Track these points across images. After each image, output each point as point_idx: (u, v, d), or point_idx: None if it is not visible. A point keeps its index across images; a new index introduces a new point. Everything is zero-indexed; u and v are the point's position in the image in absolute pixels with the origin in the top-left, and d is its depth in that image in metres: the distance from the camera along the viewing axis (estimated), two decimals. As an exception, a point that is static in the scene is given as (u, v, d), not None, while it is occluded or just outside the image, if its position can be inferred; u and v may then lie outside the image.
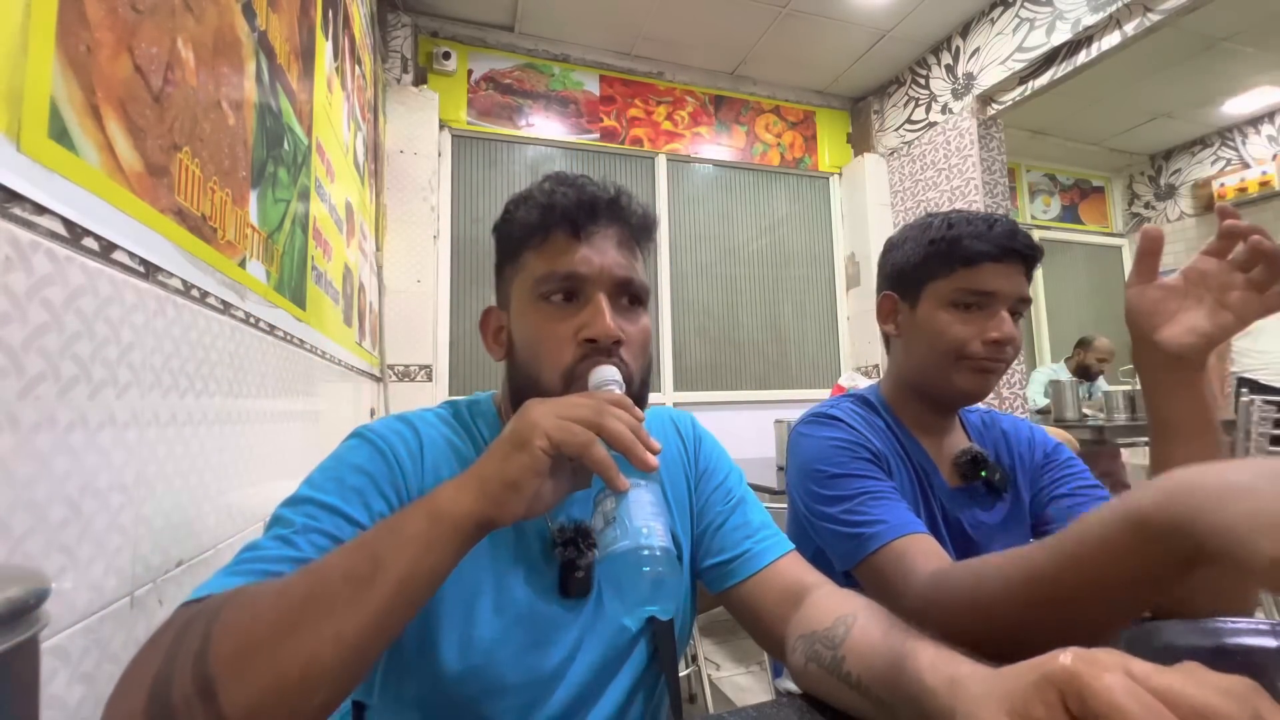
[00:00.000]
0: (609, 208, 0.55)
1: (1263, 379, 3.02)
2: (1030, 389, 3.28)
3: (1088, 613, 0.41)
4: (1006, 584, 0.45)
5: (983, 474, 0.76)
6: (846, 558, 0.65)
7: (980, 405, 0.90)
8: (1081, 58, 2.55)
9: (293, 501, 0.48)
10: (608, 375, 0.49)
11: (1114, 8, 2.37)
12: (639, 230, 0.58)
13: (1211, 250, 0.55)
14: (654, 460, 0.40)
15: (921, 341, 0.77)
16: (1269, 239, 0.51)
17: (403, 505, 0.51)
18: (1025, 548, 0.45)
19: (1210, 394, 0.56)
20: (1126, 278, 0.57)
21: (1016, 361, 2.96)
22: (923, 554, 0.59)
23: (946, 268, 0.74)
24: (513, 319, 0.58)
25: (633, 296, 0.56)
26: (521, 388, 0.55)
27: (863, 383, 2.13)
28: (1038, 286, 4.32)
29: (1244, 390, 2.73)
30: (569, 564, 0.54)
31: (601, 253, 0.54)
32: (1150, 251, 0.56)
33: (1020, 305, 0.74)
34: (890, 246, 0.83)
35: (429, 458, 0.54)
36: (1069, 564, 0.41)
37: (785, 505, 0.86)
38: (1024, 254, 0.72)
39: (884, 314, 0.83)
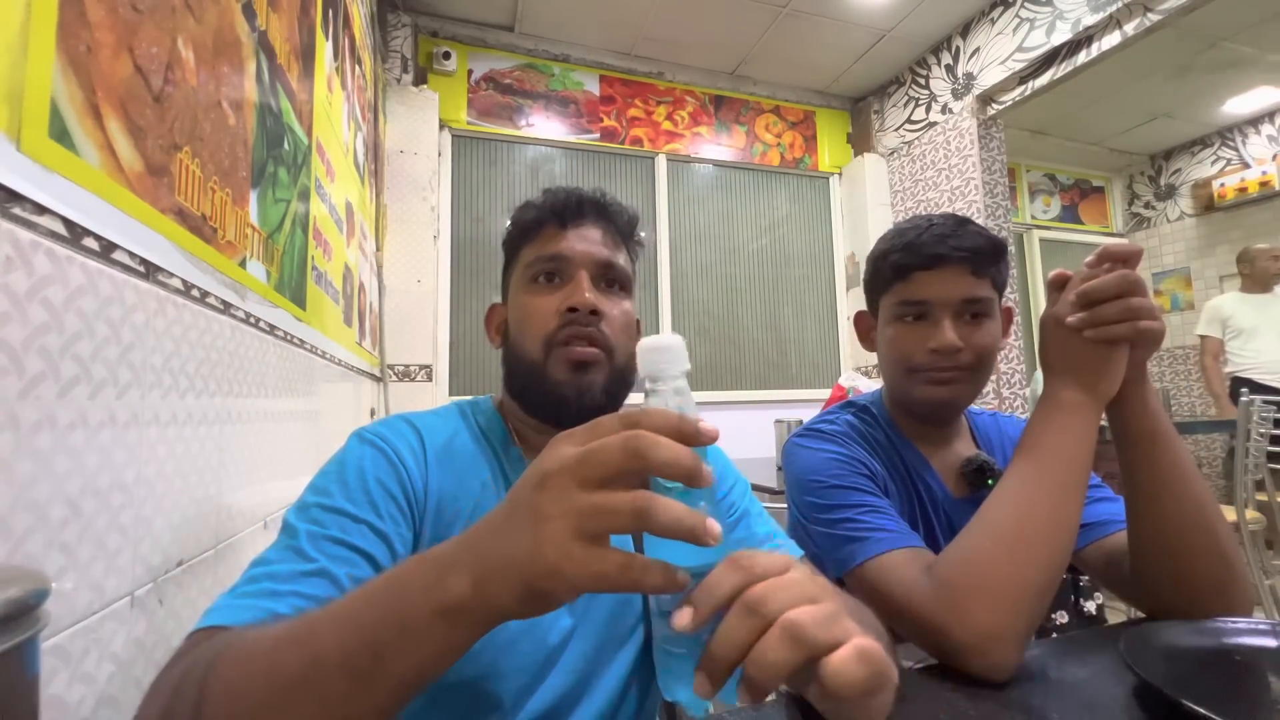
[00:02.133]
0: (594, 206, 0.63)
1: (1256, 378, 3.03)
2: (1037, 389, 3.29)
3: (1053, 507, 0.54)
4: (983, 525, 0.55)
5: (989, 482, 0.74)
6: (841, 563, 0.64)
7: (984, 407, 0.89)
8: (1081, 58, 2.55)
9: (300, 508, 0.49)
10: (665, 356, 0.33)
11: (1114, 8, 2.37)
12: (623, 229, 0.65)
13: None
14: (717, 530, 0.28)
15: (884, 357, 0.78)
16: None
17: (408, 500, 0.52)
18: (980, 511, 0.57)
19: (1152, 394, 0.59)
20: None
21: (1017, 362, 2.96)
22: (924, 564, 0.58)
23: (886, 283, 0.76)
24: (509, 307, 0.65)
25: (614, 280, 0.62)
26: (512, 368, 0.62)
27: (863, 383, 2.13)
28: (1038, 287, 4.31)
29: (1244, 390, 2.73)
30: None
31: (585, 241, 0.61)
32: (1057, 287, 0.61)
33: (971, 307, 0.71)
34: (866, 262, 0.84)
35: (431, 455, 0.56)
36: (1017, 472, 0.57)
37: (785, 505, 0.86)
38: (959, 258, 0.70)
39: (861, 332, 0.84)
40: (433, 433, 0.58)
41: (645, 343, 0.34)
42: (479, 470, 0.58)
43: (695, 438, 0.29)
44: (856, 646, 0.27)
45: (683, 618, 0.28)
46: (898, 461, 0.77)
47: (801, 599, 0.28)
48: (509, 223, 0.66)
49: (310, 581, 0.43)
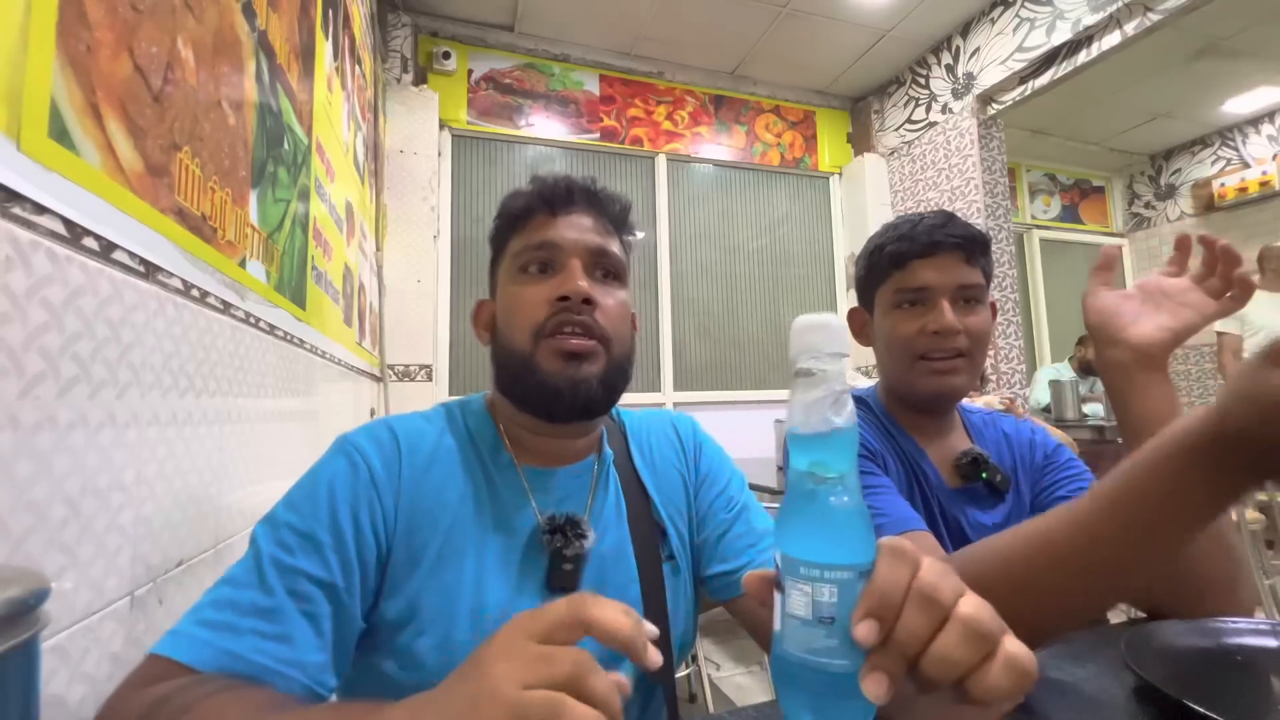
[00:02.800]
0: (584, 193, 0.59)
1: None
2: (1037, 389, 3.29)
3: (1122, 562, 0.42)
4: (1023, 549, 0.47)
5: (983, 475, 0.76)
6: None
7: (980, 405, 0.90)
8: (1082, 58, 2.55)
9: (270, 524, 0.48)
10: (822, 336, 0.31)
11: (1114, 8, 2.37)
12: (615, 217, 0.61)
13: (1169, 269, 0.62)
14: (654, 659, 0.29)
15: (882, 347, 0.80)
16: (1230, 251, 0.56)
17: (373, 523, 0.50)
18: (1032, 520, 0.48)
19: (1173, 387, 0.59)
20: (1122, 283, 0.59)
21: (1017, 362, 2.96)
22: (924, 550, 0.58)
23: (884, 274, 0.78)
24: (497, 299, 0.61)
25: (609, 270, 0.59)
26: (501, 362, 0.58)
27: (863, 383, 2.13)
28: (1038, 287, 4.32)
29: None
30: (557, 554, 0.53)
31: (577, 228, 0.58)
32: (1107, 267, 0.64)
33: (966, 293, 0.74)
34: (855, 262, 0.85)
35: (407, 469, 0.54)
36: (1107, 510, 0.43)
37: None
38: (953, 244, 0.73)
39: (855, 328, 0.85)
40: (414, 443, 0.55)
41: (802, 320, 0.31)
42: (459, 482, 0.55)
43: (643, 656, 0.29)
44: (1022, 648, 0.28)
45: (868, 630, 0.27)
46: (896, 448, 0.78)
47: (960, 586, 0.29)
48: (497, 212, 0.62)
49: (267, 619, 0.43)
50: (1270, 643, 0.50)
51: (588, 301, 0.55)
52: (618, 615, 0.29)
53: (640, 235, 3.21)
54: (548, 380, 0.54)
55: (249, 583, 0.45)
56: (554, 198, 0.58)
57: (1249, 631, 0.51)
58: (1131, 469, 0.42)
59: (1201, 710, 0.37)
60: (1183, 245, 0.60)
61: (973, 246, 0.74)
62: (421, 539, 0.52)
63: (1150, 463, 0.41)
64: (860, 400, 0.83)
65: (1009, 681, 0.27)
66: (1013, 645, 0.28)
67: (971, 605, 0.28)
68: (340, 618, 0.47)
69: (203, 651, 0.41)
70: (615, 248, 0.60)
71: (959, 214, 0.78)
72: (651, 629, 0.30)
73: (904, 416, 0.80)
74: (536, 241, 0.57)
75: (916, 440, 0.79)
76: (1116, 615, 0.85)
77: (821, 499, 0.30)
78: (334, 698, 0.56)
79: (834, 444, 0.30)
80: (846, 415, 0.30)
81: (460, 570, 0.52)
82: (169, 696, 0.37)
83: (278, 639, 0.43)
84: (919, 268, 0.74)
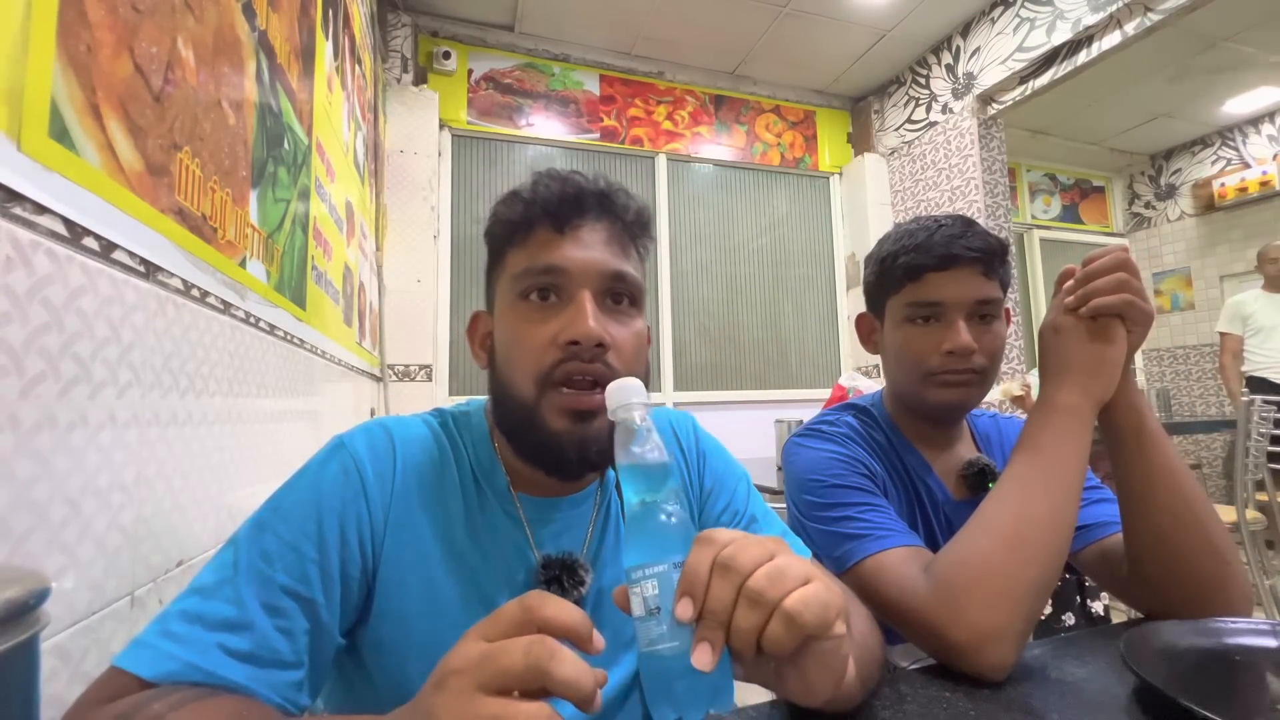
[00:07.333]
0: (597, 201, 0.51)
1: (1272, 378, 3.02)
2: (1035, 388, 3.29)
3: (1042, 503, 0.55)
4: (981, 525, 0.55)
5: (990, 485, 0.74)
6: (840, 561, 0.64)
7: (985, 410, 0.89)
8: (1082, 57, 2.55)
9: (256, 527, 0.46)
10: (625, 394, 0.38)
11: (1114, 8, 2.37)
12: (632, 226, 0.53)
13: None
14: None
15: (892, 359, 0.77)
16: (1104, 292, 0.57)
17: (359, 536, 0.48)
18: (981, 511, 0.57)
19: (1137, 393, 0.60)
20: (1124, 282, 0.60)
21: (1017, 362, 2.96)
22: (922, 563, 0.58)
23: (896, 284, 0.74)
24: (495, 322, 0.55)
25: (624, 296, 0.52)
26: (500, 397, 0.53)
27: (863, 382, 2.12)
28: (1038, 287, 4.31)
29: (1244, 390, 2.73)
30: None
31: (586, 248, 0.50)
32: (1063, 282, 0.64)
33: (984, 308, 0.71)
34: (864, 264, 0.83)
35: (401, 479, 0.51)
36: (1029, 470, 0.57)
37: (785, 505, 0.85)
38: (971, 257, 0.69)
39: (863, 335, 0.83)
40: (411, 452, 0.52)
41: (610, 385, 0.39)
42: (455, 503, 0.52)
43: (588, 645, 0.31)
44: (800, 593, 0.31)
45: (684, 607, 0.31)
46: (898, 464, 0.77)
47: (763, 556, 0.32)
48: (491, 213, 0.55)
49: (235, 635, 0.41)
50: (1270, 643, 0.50)
51: (600, 345, 0.48)
52: (574, 669, 0.28)
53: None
54: (552, 439, 0.49)
55: (220, 594, 0.42)
56: (559, 209, 0.50)
57: (1248, 631, 0.51)
58: (1031, 439, 0.58)
59: (1200, 711, 0.37)
60: (1064, 279, 0.62)
61: (991, 259, 0.70)
62: (410, 556, 0.49)
63: (1038, 427, 0.58)
64: (864, 411, 0.81)
65: (787, 635, 0.30)
66: (792, 602, 0.30)
67: (764, 571, 0.31)
68: (317, 634, 0.44)
69: (166, 665, 0.39)
70: (631, 267, 0.52)
71: (959, 214, 0.75)
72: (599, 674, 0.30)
73: (909, 426, 0.79)
74: (540, 265, 0.49)
75: (922, 452, 0.77)
76: (1117, 615, 0.85)
77: (647, 517, 0.35)
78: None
79: (648, 474, 0.36)
80: (655, 450, 0.36)
81: (452, 599, 0.49)
82: (129, 715, 0.35)
83: (245, 655, 0.41)
84: (934, 281, 0.71)
